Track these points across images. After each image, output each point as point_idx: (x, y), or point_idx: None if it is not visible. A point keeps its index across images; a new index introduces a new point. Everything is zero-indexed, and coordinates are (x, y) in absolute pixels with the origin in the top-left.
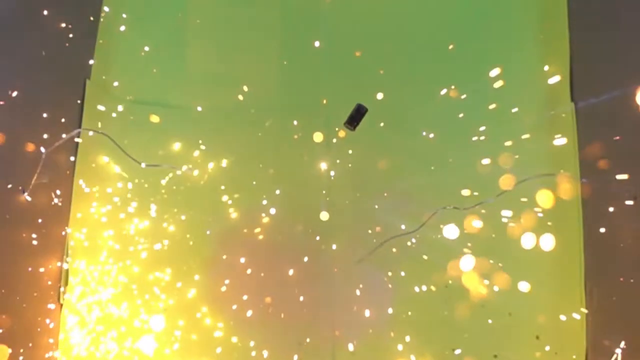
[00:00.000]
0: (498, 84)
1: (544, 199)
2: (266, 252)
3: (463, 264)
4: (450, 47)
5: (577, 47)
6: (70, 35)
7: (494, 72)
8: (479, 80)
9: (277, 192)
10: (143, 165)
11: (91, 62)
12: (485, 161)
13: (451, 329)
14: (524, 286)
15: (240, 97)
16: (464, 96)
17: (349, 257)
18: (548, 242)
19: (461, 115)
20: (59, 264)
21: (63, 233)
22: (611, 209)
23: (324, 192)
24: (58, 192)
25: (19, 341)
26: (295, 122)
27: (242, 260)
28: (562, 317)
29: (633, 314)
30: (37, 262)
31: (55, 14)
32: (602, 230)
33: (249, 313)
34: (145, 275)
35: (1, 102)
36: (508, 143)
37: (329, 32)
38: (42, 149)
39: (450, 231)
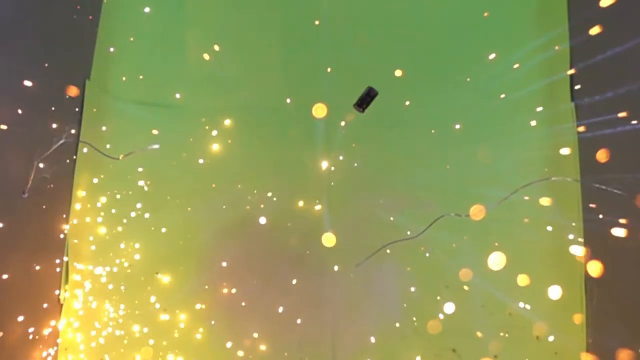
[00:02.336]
0: (498, 82)
1: (593, 268)
2: (261, 264)
3: (492, 262)
4: (448, 43)
5: (577, 45)
6: (70, 35)
7: (496, 71)
8: (481, 76)
9: (275, 199)
10: (120, 157)
11: (111, 49)
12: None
13: (451, 329)
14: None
15: (240, 90)
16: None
17: (351, 279)
18: (555, 292)
19: (461, 112)
20: (57, 261)
21: (62, 235)
22: (611, 209)
23: (324, 205)
24: (57, 191)
25: (19, 343)
26: (288, 100)
27: (224, 264)
28: (562, 318)
29: (633, 314)
30: (37, 261)
31: (55, 14)
32: (602, 230)
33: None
34: (140, 275)
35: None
36: (507, 141)
37: (329, 10)
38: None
39: (496, 261)
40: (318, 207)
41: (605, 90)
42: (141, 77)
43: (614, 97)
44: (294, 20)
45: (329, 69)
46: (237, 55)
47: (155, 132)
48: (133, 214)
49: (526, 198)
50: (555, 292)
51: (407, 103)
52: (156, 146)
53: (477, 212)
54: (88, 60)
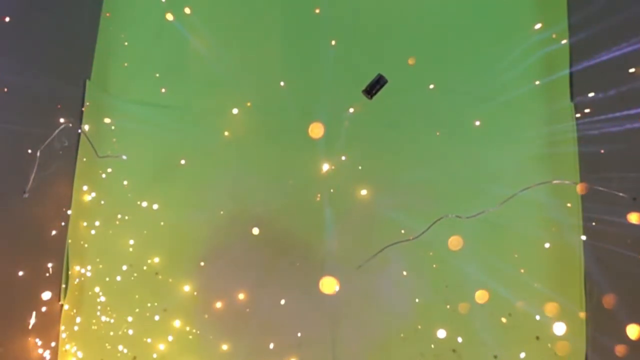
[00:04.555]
0: (499, 82)
1: (632, 332)
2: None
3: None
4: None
5: (577, 45)
6: (71, 36)
7: (496, 70)
8: (481, 76)
9: (275, 201)
10: (99, 154)
11: (126, 43)
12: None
13: (451, 329)
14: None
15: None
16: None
17: (353, 282)
18: (560, 328)
19: (460, 113)
20: (50, 264)
21: (54, 232)
22: (611, 209)
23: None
24: (57, 189)
25: (18, 343)
26: (282, 83)
27: (221, 267)
28: (562, 317)
29: (632, 314)
30: (37, 261)
31: (55, 14)
32: (602, 230)
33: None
34: (140, 276)
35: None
36: (507, 140)
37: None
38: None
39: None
40: (319, 208)
41: (606, 88)
42: (157, 75)
43: (614, 96)
44: (293, 8)
45: (331, 46)
46: (238, 50)
47: (155, 131)
48: (133, 214)
49: (570, 205)
50: (560, 329)
51: (407, 103)
52: (124, 157)
53: (455, 243)
54: (88, 60)
